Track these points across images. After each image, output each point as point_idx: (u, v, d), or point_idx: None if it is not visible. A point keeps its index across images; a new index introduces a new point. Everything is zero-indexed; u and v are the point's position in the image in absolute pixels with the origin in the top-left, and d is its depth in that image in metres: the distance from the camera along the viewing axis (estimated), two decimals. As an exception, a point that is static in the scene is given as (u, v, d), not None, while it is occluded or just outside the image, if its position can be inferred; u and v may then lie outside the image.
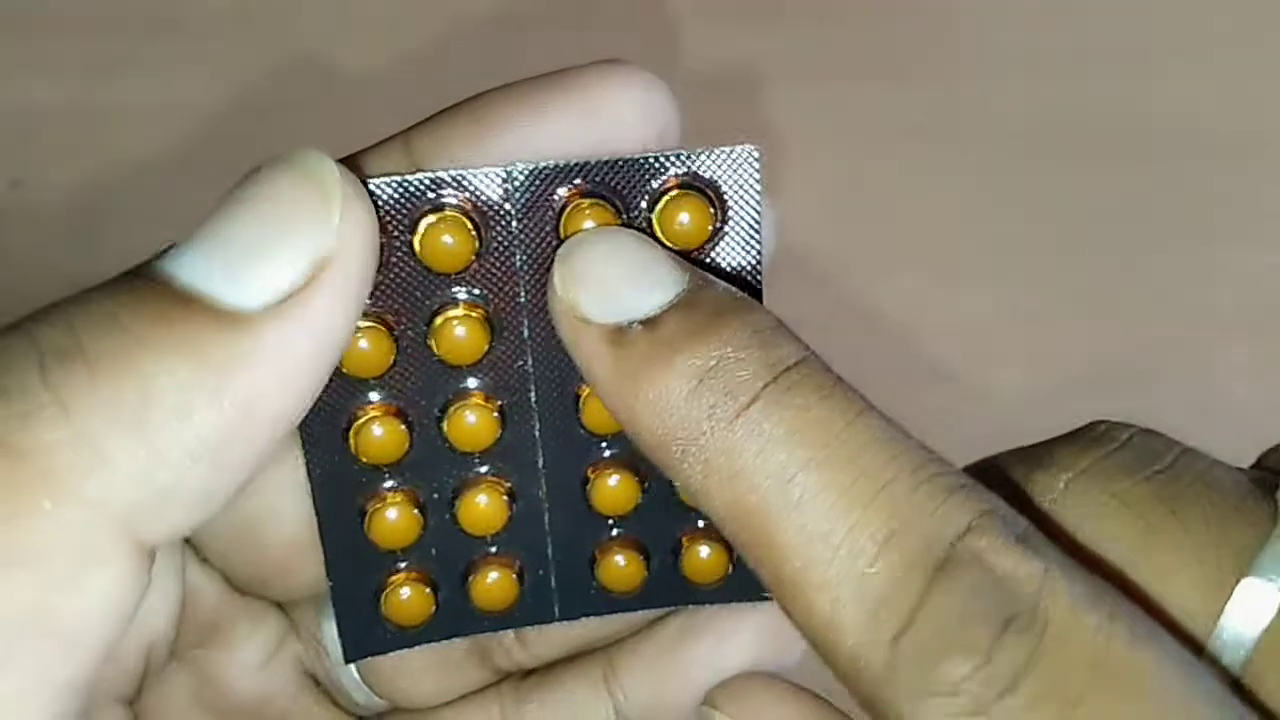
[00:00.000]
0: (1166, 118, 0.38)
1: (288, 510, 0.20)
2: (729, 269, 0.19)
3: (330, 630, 0.21)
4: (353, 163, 0.19)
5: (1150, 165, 0.37)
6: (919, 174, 0.37)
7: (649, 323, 0.17)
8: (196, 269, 0.16)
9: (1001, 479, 0.19)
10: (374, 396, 0.19)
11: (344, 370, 0.19)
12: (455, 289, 0.19)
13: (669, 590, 0.21)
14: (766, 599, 0.21)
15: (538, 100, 0.18)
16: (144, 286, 0.16)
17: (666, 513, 0.21)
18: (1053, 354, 0.36)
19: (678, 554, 0.21)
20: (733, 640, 0.21)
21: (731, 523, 0.16)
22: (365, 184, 0.18)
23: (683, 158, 0.18)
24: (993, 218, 0.37)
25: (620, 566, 0.21)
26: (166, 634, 0.20)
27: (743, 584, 0.21)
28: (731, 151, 0.18)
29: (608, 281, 0.18)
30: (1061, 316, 0.37)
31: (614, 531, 0.21)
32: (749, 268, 0.19)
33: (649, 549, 0.21)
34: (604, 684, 0.22)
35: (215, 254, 0.16)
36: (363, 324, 0.18)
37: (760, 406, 0.16)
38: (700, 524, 0.21)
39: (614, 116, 0.18)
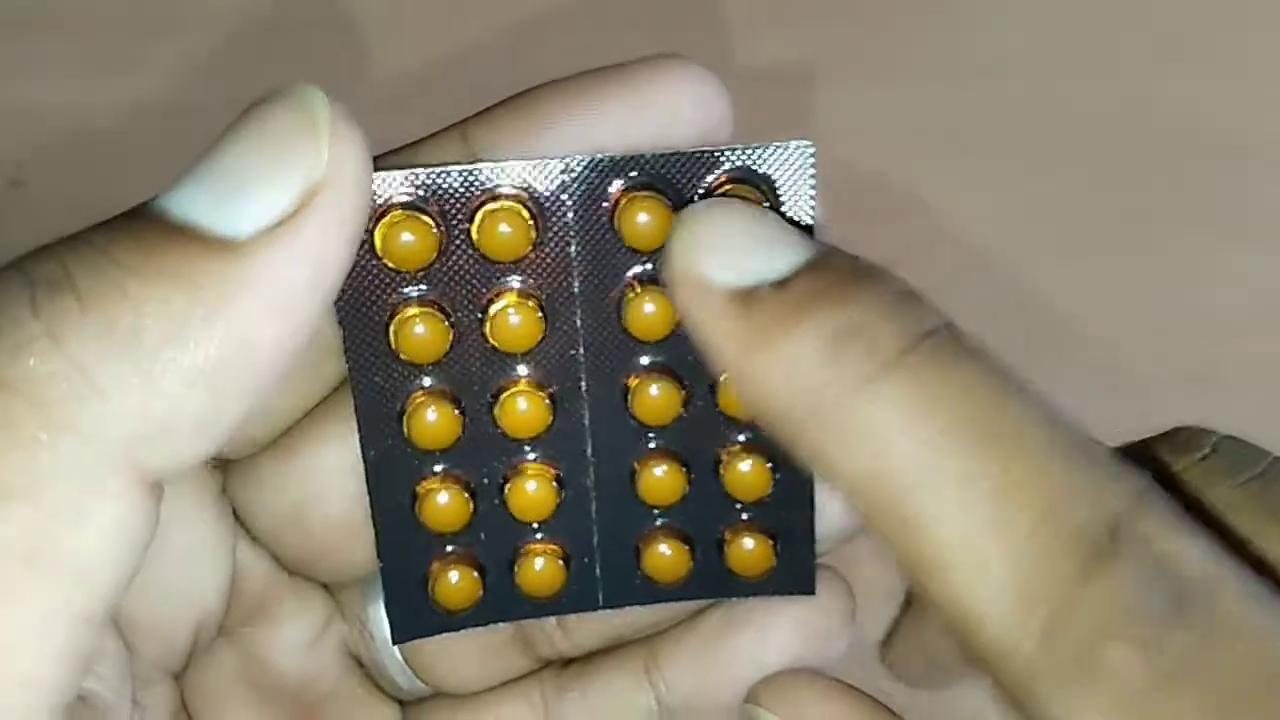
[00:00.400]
0: (1166, 118, 0.38)
1: (337, 492, 0.20)
2: None
3: (376, 613, 0.21)
4: (410, 151, 0.19)
5: (1150, 165, 0.37)
6: (918, 174, 0.37)
7: (779, 285, 0.16)
8: (188, 202, 0.16)
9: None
10: (428, 381, 0.19)
11: (400, 354, 0.19)
12: (511, 277, 0.19)
13: (713, 582, 0.21)
14: (810, 593, 0.21)
15: (593, 93, 0.19)
16: (137, 222, 0.16)
17: (712, 504, 0.21)
18: (1053, 354, 0.36)
19: (722, 546, 0.21)
20: (774, 634, 0.21)
21: (865, 496, 0.15)
22: (425, 172, 0.18)
23: (737, 153, 0.18)
24: (991, 218, 0.37)
25: (665, 556, 0.21)
26: (216, 610, 0.20)
27: (787, 577, 0.21)
28: (786, 147, 0.18)
29: (735, 244, 0.17)
30: (1061, 316, 0.37)
31: (659, 522, 0.21)
32: None
33: (694, 540, 0.21)
34: (645, 674, 0.22)
35: (207, 187, 0.16)
36: (419, 310, 0.19)
37: (903, 373, 0.15)
38: (745, 516, 0.21)
39: (668, 110, 0.18)
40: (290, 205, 0.15)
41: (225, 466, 0.21)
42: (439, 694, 0.23)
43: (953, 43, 0.38)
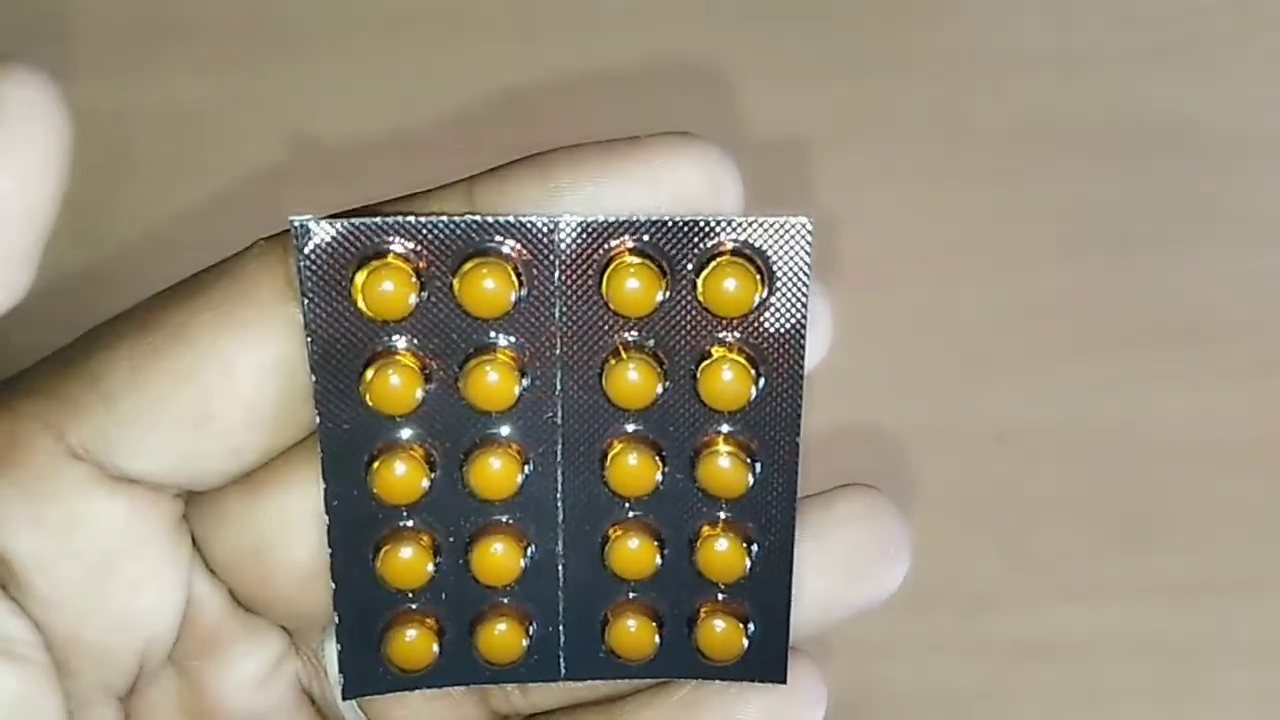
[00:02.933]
0: (1166, 118, 0.38)
1: (301, 538, 0.20)
2: (771, 343, 0.19)
3: (332, 653, 0.21)
4: (412, 202, 0.19)
5: (1150, 166, 0.37)
6: (916, 174, 0.37)
7: None
8: None
9: None
10: (398, 434, 0.19)
11: (371, 403, 0.18)
12: (491, 334, 0.18)
13: (680, 662, 0.21)
14: (782, 681, 0.21)
15: (605, 162, 0.18)
16: None
17: (685, 582, 0.20)
18: (1053, 354, 0.36)
19: (693, 625, 0.20)
20: None
21: None
22: (412, 222, 0.18)
23: (733, 224, 0.18)
24: (991, 218, 0.37)
25: (631, 632, 0.20)
26: (165, 637, 0.20)
27: (758, 662, 0.21)
28: (783, 223, 0.18)
29: None
30: (1061, 316, 0.37)
31: (629, 595, 0.20)
32: (791, 343, 0.19)
33: (663, 617, 0.20)
34: None
35: None
36: (394, 360, 0.18)
37: None
38: (719, 597, 0.20)
39: (679, 188, 0.18)
40: None
41: (188, 496, 0.20)
42: None
43: (953, 43, 0.38)
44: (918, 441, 0.35)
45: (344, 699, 0.21)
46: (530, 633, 0.20)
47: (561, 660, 0.21)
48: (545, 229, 0.18)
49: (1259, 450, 0.36)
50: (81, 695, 0.19)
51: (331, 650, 0.21)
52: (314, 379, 0.18)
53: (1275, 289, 0.37)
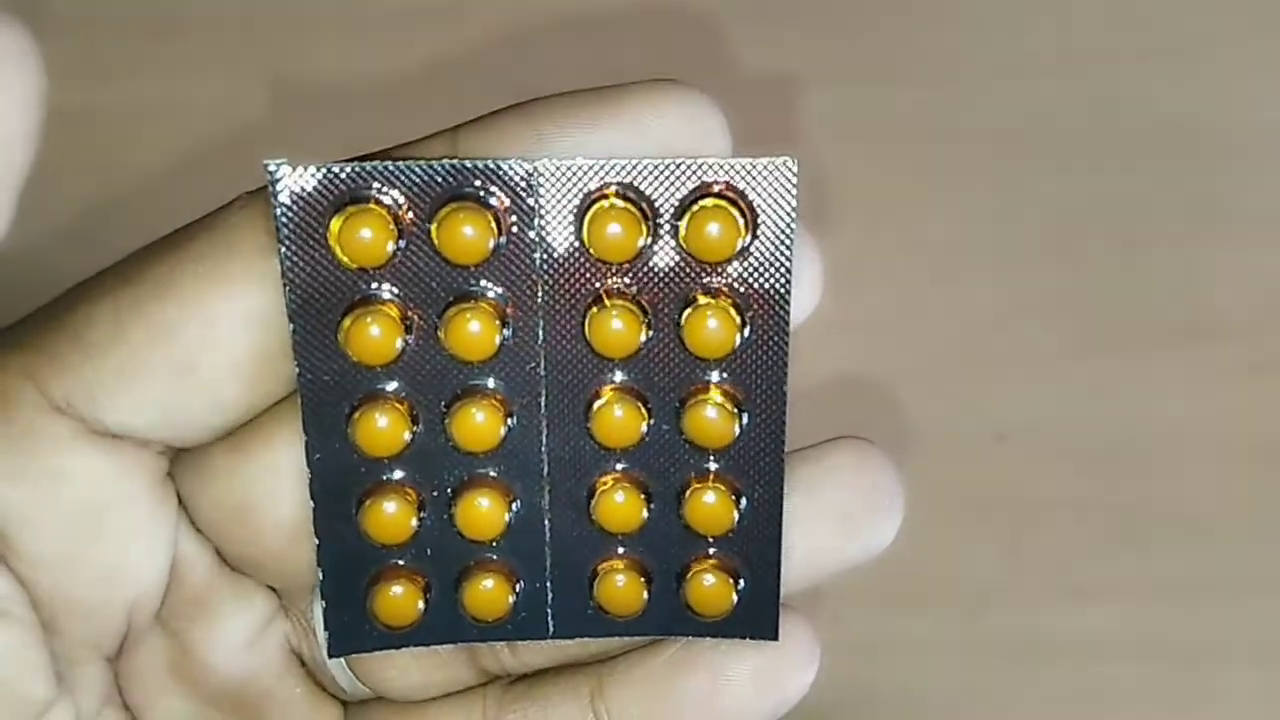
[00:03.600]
0: (1166, 118, 0.38)
1: (287, 496, 0.19)
2: (755, 288, 0.18)
3: (320, 613, 0.21)
4: (396, 152, 0.18)
5: (1150, 166, 0.37)
6: (916, 175, 0.37)
7: None
8: None
9: None
10: (379, 385, 0.19)
11: (351, 354, 0.18)
12: (472, 282, 0.18)
13: (669, 618, 0.20)
14: (773, 639, 0.20)
15: (591, 111, 0.18)
16: None
17: (673, 536, 0.20)
18: (1053, 354, 0.36)
19: (682, 581, 0.20)
20: (730, 681, 0.20)
21: None
22: (389, 167, 0.17)
23: (714, 166, 0.17)
24: (991, 218, 0.37)
25: (619, 587, 0.20)
26: (151, 594, 0.20)
27: (749, 619, 0.20)
28: (766, 164, 0.17)
29: None
30: (1061, 316, 0.37)
31: (618, 550, 0.20)
32: (776, 288, 0.18)
33: (652, 572, 0.20)
34: (590, 703, 0.21)
35: None
36: (373, 310, 0.18)
37: None
38: (708, 551, 0.20)
39: (665, 135, 0.18)
40: None
41: (174, 454, 0.20)
42: (380, 698, 0.22)
43: (953, 44, 0.38)
44: (918, 441, 0.35)
45: (330, 657, 0.21)
46: (517, 589, 0.20)
47: (550, 617, 0.20)
48: (523, 173, 0.17)
49: (1259, 450, 0.36)
50: (69, 654, 0.19)
51: (319, 611, 0.21)
52: (292, 328, 0.18)
53: (1275, 289, 0.37)
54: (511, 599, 0.20)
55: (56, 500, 0.19)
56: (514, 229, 0.18)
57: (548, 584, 0.20)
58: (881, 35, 0.38)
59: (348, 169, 0.17)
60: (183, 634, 0.20)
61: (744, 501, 0.19)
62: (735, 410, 0.19)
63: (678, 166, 0.17)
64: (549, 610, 0.20)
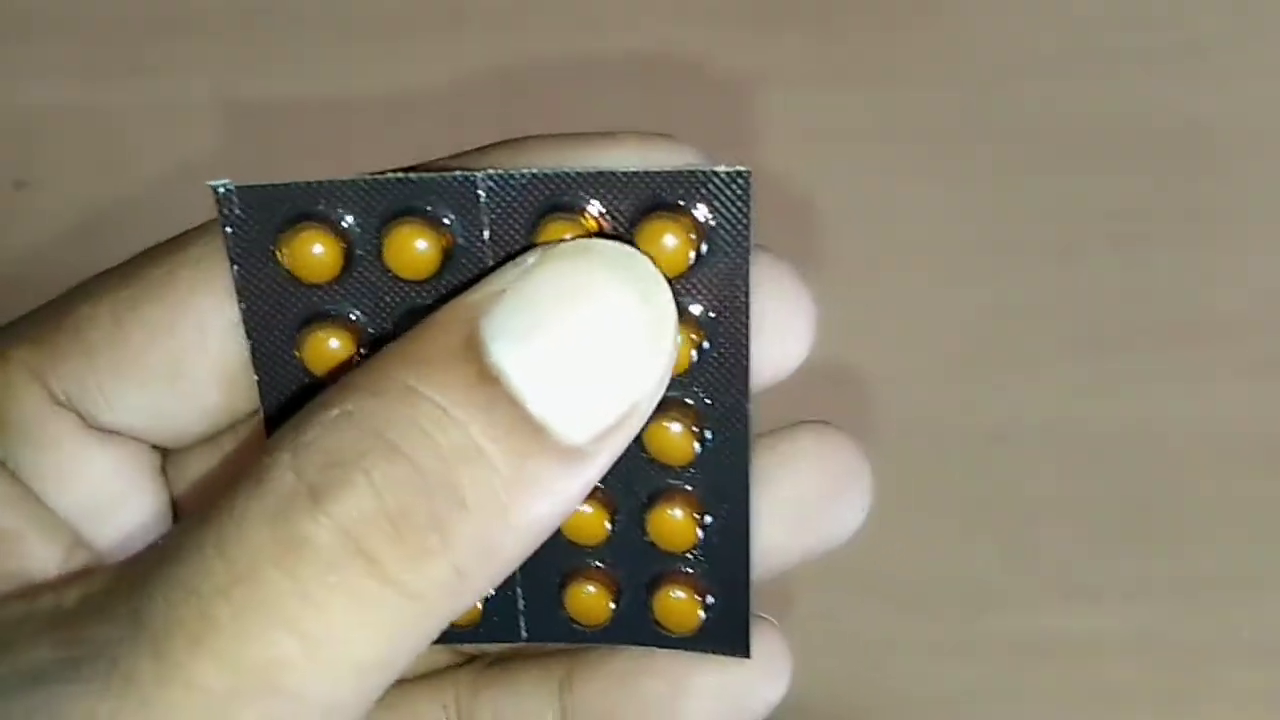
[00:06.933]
0: (1166, 118, 0.38)
1: None
2: (713, 302, 0.17)
3: None
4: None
5: (1150, 166, 0.37)
6: (916, 175, 0.37)
7: None
8: (543, 394, 0.16)
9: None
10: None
11: (310, 370, 0.18)
12: (423, 296, 0.18)
13: (636, 630, 0.20)
14: (744, 655, 0.20)
15: (578, 153, 0.18)
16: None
17: (639, 550, 0.19)
18: (1053, 354, 0.36)
19: (650, 594, 0.20)
20: (692, 694, 0.20)
21: None
22: (335, 183, 0.17)
23: (666, 177, 0.17)
24: (991, 218, 0.37)
25: (587, 597, 0.20)
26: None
27: (719, 635, 0.20)
28: (722, 173, 0.17)
29: None
30: (1061, 316, 0.37)
31: (587, 561, 0.20)
32: (734, 301, 0.17)
33: (620, 585, 0.20)
34: (558, 695, 0.21)
35: (554, 376, 0.16)
36: (328, 324, 0.18)
37: None
38: (675, 565, 0.19)
39: None
40: (618, 418, 0.16)
41: (165, 453, 0.20)
42: None
43: (953, 44, 0.39)
44: (917, 441, 0.35)
45: None
46: (489, 594, 0.20)
47: (521, 623, 0.20)
48: (469, 185, 0.17)
49: (1259, 450, 0.36)
50: None
51: None
52: (250, 344, 0.18)
53: (1275, 289, 0.37)
54: (480, 605, 0.20)
55: (60, 492, 0.19)
56: (464, 242, 0.17)
57: (518, 590, 0.20)
58: (881, 35, 0.38)
59: (293, 186, 0.17)
60: None
61: (709, 518, 0.19)
62: (697, 427, 0.18)
63: (631, 177, 0.17)
64: (521, 615, 0.20)
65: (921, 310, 0.37)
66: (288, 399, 0.19)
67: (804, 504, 0.20)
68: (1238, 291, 0.37)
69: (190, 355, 0.18)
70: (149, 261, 0.19)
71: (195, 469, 0.20)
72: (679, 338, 0.17)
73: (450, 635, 0.20)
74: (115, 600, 0.16)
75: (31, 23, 0.39)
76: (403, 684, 0.22)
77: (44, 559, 0.18)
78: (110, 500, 0.19)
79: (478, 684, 0.22)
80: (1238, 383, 0.36)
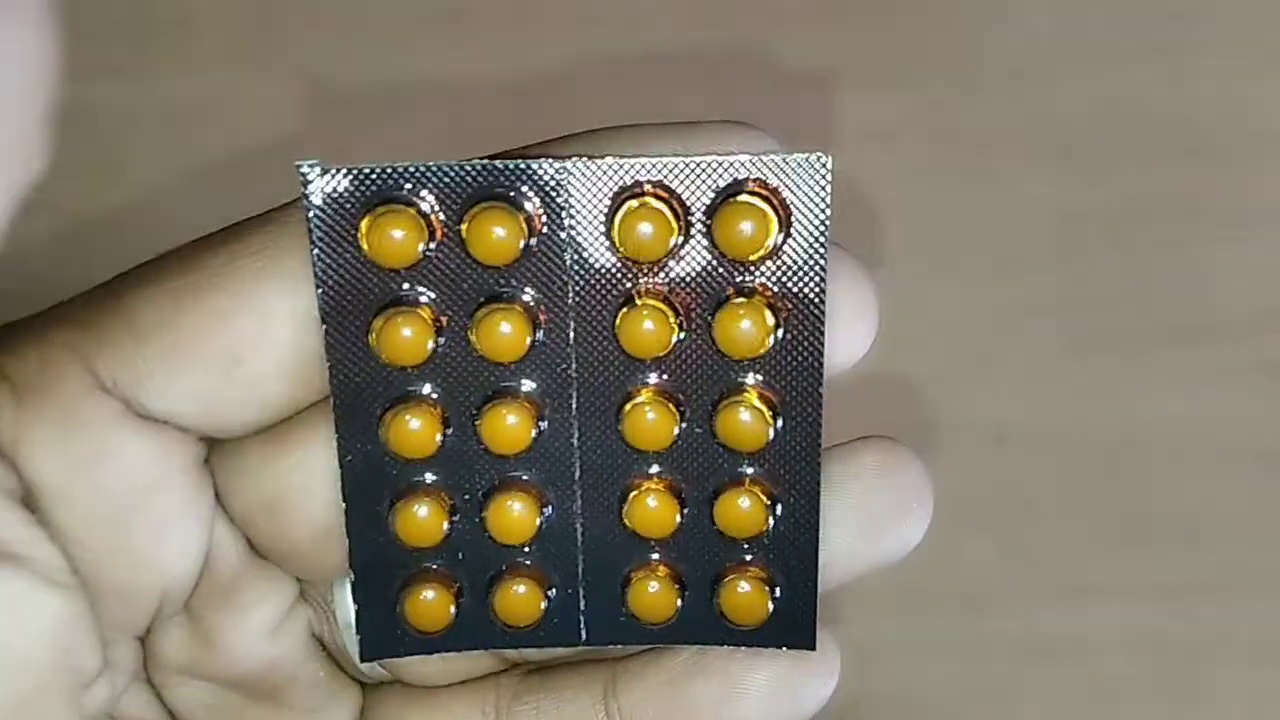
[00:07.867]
0: (1166, 118, 0.38)
1: (318, 494, 0.19)
2: (790, 287, 0.18)
3: (341, 599, 0.21)
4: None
5: (1150, 166, 0.37)
6: (915, 174, 0.37)
7: None
8: None
9: None
10: (412, 387, 0.18)
11: (382, 355, 0.18)
12: (502, 283, 0.18)
13: (703, 626, 0.20)
14: (810, 647, 0.20)
15: (658, 143, 0.18)
16: None
17: (707, 541, 0.19)
18: (1053, 354, 0.36)
19: (716, 587, 0.20)
20: (745, 691, 0.20)
21: None
22: (420, 168, 0.17)
23: (750, 162, 0.17)
24: (991, 218, 0.37)
25: (652, 594, 0.19)
26: (184, 582, 0.20)
27: (784, 628, 0.20)
28: (800, 159, 0.17)
29: None
30: (1061, 316, 0.37)
31: (651, 555, 0.20)
32: (811, 286, 0.18)
33: (685, 579, 0.20)
34: (603, 700, 0.21)
35: None
36: (404, 311, 0.18)
37: None
38: (745, 558, 0.19)
39: None
40: None
41: (211, 443, 0.20)
42: (398, 681, 0.22)
43: (953, 44, 0.38)
44: (917, 441, 0.35)
45: (362, 661, 0.21)
46: (549, 595, 0.20)
47: (582, 624, 0.20)
48: (553, 172, 0.17)
49: (1259, 450, 0.36)
50: (104, 632, 0.19)
51: (340, 596, 0.21)
52: (324, 329, 0.18)
53: (1275, 289, 0.37)
54: (544, 604, 0.20)
55: (96, 478, 0.19)
56: (544, 229, 0.18)
57: (580, 589, 0.20)
58: (881, 35, 0.38)
59: (380, 169, 0.17)
60: (208, 620, 0.20)
61: (779, 507, 0.19)
62: (770, 413, 0.19)
63: (709, 164, 0.17)
64: (581, 616, 0.20)
65: (921, 310, 0.36)
66: (359, 387, 0.18)
67: (869, 516, 0.20)
68: (1238, 291, 0.37)
69: (252, 343, 0.18)
70: (204, 250, 0.19)
71: (241, 461, 0.20)
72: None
73: (509, 638, 0.20)
74: None
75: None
76: (442, 689, 0.22)
77: None
78: (146, 488, 0.19)
79: (519, 690, 0.21)
80: (1238, 383, 0.36)
